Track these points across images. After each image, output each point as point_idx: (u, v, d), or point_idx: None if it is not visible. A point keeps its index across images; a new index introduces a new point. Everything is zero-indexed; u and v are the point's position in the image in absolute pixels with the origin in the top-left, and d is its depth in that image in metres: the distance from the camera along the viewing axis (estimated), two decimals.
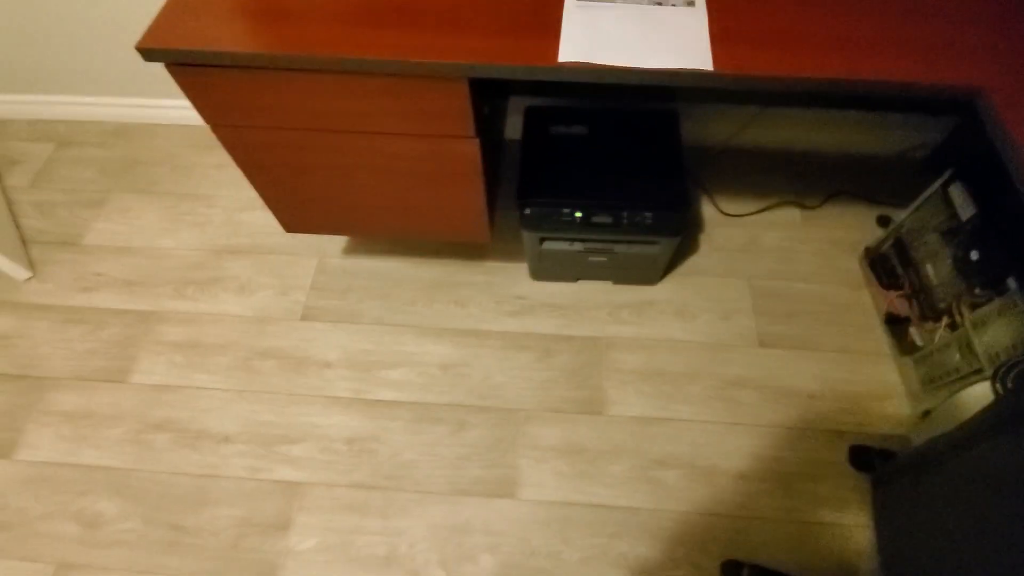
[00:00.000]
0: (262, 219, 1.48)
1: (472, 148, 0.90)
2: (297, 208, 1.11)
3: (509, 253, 1.41)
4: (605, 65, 0.74)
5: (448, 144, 0.90)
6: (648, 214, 1.16)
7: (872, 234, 1.40)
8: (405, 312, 1.34)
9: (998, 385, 0.80)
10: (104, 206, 1.53)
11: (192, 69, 0.81)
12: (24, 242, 1.47)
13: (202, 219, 1.49)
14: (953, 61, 0.75)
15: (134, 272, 1.41)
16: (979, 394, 0.89)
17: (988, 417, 0.68)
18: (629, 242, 1.23)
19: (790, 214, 1.46)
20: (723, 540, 1.08)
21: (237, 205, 1.50)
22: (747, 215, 1.46)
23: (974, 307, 1.11)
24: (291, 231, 1.18)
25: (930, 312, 1.21)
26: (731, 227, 1.45)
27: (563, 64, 0.74)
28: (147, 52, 0.77)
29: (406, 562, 1.06)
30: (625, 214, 1.16)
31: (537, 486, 1.14)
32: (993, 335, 1.05)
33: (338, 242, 1.44)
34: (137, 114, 1.66)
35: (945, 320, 1.17)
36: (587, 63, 0.74)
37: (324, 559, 1.07)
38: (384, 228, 1.17)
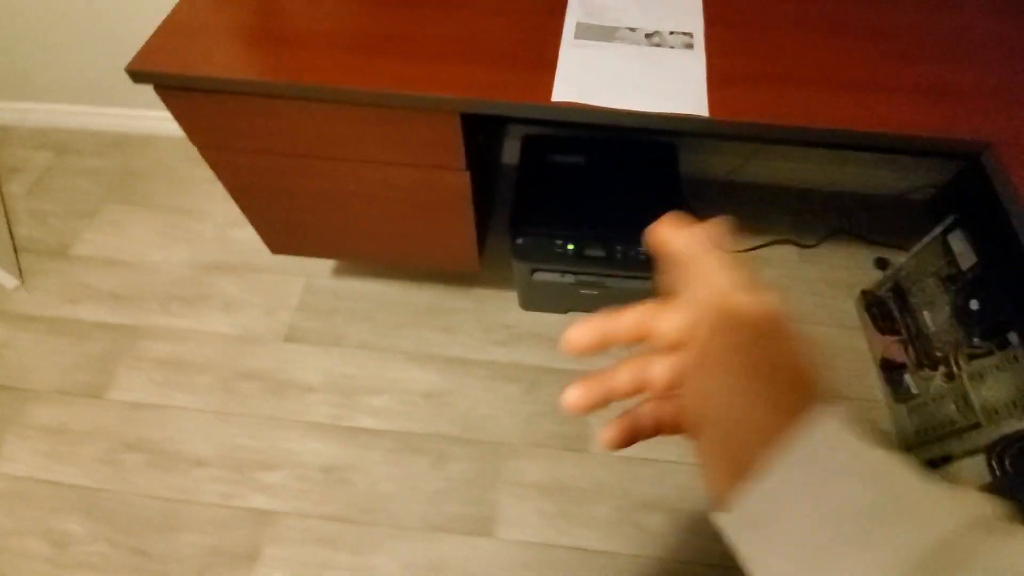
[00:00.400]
0: (252, 236, 1.44)
1: (462, 180, 0.89)
2: (284, 230, 1.09)
3: (500, 280, 1.39)
4: (599, 106, 0.72)
5: (438, 175, 0.88)
6: (642, 249, 1.14)
7: (870, 276, 1.37)
8: (391, 336, 1.32)
9: (994, 463, 0.77)
10: (96, 217, 1.51)
11: (180, 92, 0.79)
12: (16, 250, 1.45)
13: (193, 234, 1.47)
14: (960, 111, 0.73)
15: (121, 285, 1.39)
16: (970, 470, 0.86)
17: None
18: (622, 276, 1.20)
19: (787, 252, 1.44)
20: None
21: (228, 221, 1.48)
22: (743, 251, 1.44)
23: (972, 357, 1.08)
24: (277, 252, 1.17)
25: (927, 360, 1.18)
26: None
27: (557, 103, 0.72)
28: (135, 74, 0.76)
29: None
30: (619, 248, 1.14)
31: (517, 525, 1.10)
32: (992, 389, 1.02)
33: (327, 263, 1.42)
34: (135, 125, 1.65)
35: (942, 369, 1.14)
36: (581, 103, 0.72)
37: None
38: (371, 253, 1.15)
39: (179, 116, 0.84)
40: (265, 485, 1.14)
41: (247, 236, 1.45)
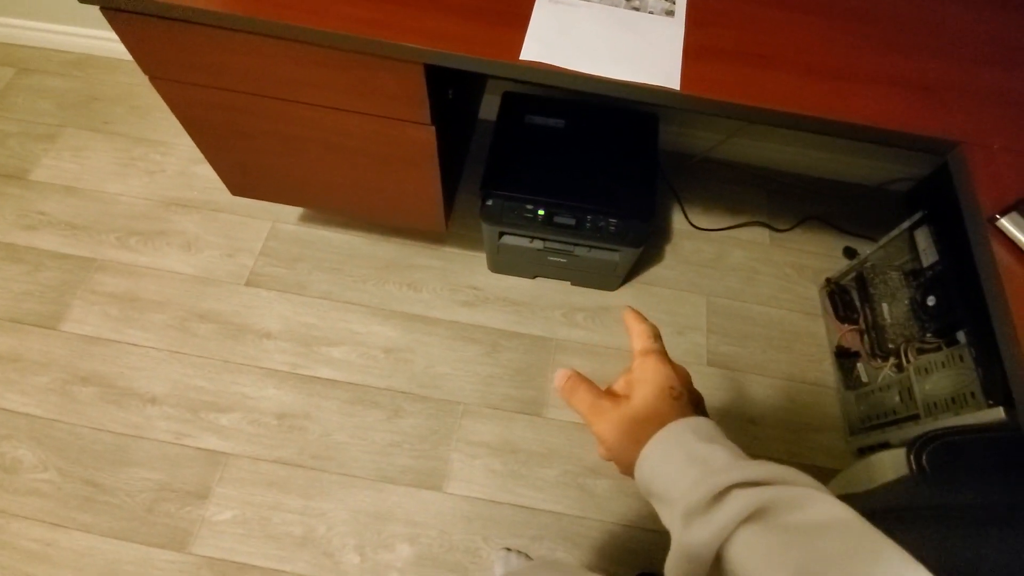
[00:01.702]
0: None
1: (427, 135, 0.85)
2: (242, 172, 1.05)
3: (469, 241, 1.37)
4: (566, 69, 0.69)
5: (401, 128, 0.85)
6: (612, 221, 1.13)
7: (837, 264, 1.38)
8: (355, 289, 1.30)
9: (912, 458, 0.79)
10: (56, 141, 1.45)
11: (128, 16, 0.74)
12: None
13: (155, 166, 1.41)
14: (933, 108, 0.71)
15: (78, 215, 1.35)
16: (891, 461, 0.89)
17: (896, 496, 0.67)
18: (590, 246, 1.19)
19: (759, 234, 1.44)
20: (640, 552, 1.09)
21: (193, 156, 1.42)
22: (716, 230, 1.44)
23: (921, 352, 1.10)
24: (237, 194, 1.13)
25: (880, 350, 1.21)
26: (699, 240, 1.42)
27: (523, 63, 0.69)
28: None
29: (322, 543, 1.06)
30: (589, 218, 1.13)
31: (466, 481, 1.13)
32: (934, 384, 1.05)
33: (294, 209, 1.39)
34: (101, 47, 1.56)
35: (892, 360, 1.17)
36: (548, 64, 0.69)
37: (239, 532, 1.05)
38: (333, 204, 1.12)
39: (128, 42, 0.79)
40: (218, 427, 1.14)
41: (211, 173, 1.38)
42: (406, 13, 0.71)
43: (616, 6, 0.75)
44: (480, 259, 1.35)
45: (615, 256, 1.20)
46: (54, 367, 1.18)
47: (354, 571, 1.04)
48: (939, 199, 1.12)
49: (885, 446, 1.13)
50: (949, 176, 0.74)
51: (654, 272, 1.38)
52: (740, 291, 1.36)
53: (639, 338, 0.39)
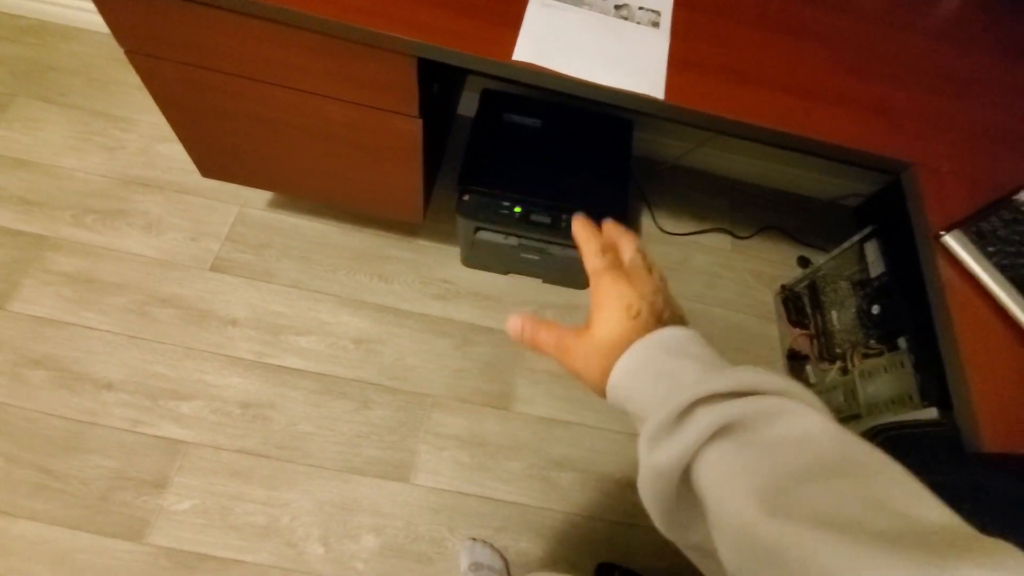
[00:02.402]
0: (183, 154, 1.34)
1: (414, 128, 0.86)
2: (216, 153, 1.02)
3: (443, 234, 1.37)
4: (558, 72, 0.71)
5: (388, 119, 0.85)
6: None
7: (791, 272, 1.46)
8: (325, 278, 1.29)
9: None
10: (7, 111, 1.36)
11: None
12: None
13: (115, 143, 1.35)
14: (891, 131, 0.77)
15: (30, 190, 1.27)
16: None
17: None
18: (565, 245, 1.22)
19: (722, 240, 1.51)
20: (602, 543, 1.13)
21: (157, 134, 1.37)
22: (682, 235, 1.49)
23: (866, 356, 1.19)
24: (208, 176, 1.10)
25: (827, 354, 1.29)
26: (665, 244, 1.48)
27: (516, 63, 0.71)
28: None
29: (285, 534, 1.04)
30: (564, 217, 1.15)
31: (433, 473, 1.14)
32: (876, 387, 1.13)
33: (263, 193, 1.35)
34: (59, 14, 1.47)
35: (839, 364, 1.25)
36: (540, 66, 0.71)
37: (199, 522, 1.03)
38: (311, 191, 1.11)
39: (105, 12, 0.76)
40: (178, 415, 1.11)
41: (177, 153, 1.34)
42: (400, 4, 0.71)
43: (606, 14, 0.78)
44: (453, 253, 1.36)
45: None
46: (3, 348, 1.12)
47: (318, 562, 1.03)
48: (887, 215, 1.20)
49: None
50: (896, 194, 0.80)
51: None
52: (703, 294, 1.43)
53: (588, 258, 0.36)
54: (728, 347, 1.37)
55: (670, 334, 0.31)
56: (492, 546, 1.09)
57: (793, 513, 0.22)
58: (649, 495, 0.29)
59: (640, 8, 0.79)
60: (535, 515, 1.14)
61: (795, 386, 0.28)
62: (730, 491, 0.25)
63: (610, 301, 0.33)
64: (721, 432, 0.26)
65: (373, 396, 1.19)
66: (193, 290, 1.22)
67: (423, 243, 1.37)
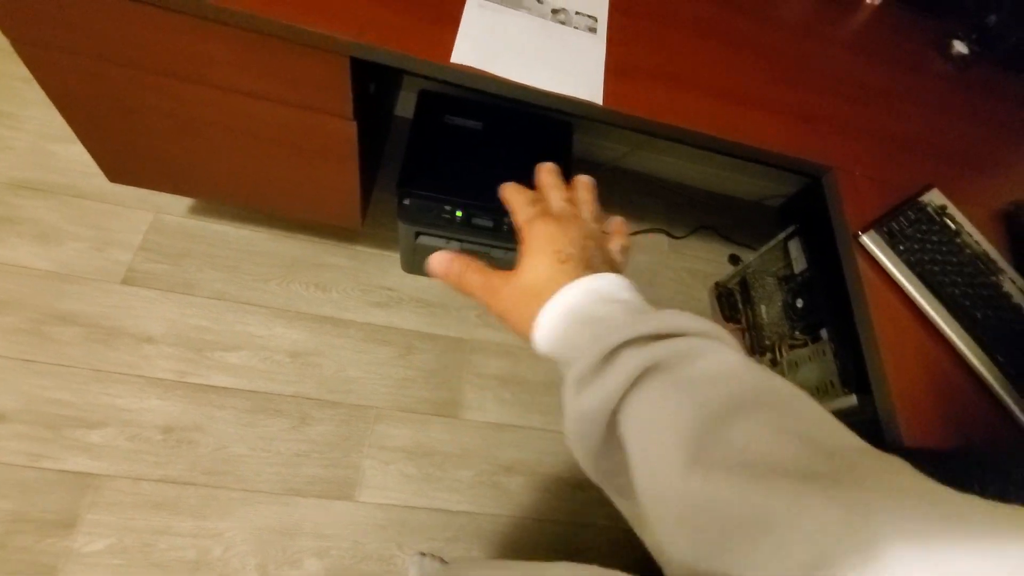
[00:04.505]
0: (82, 155, 1.21)
1: (348, 129, 0.81)
2: (125, 156, 0.92)
3: (382, 239, 1.32)
4: (498, 76, 0.69)
5: (321, 120, 0.80)
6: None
7: (724, 269, 1.54)
8: (255, 289, 1.20)
9: None
10: None
11: None
12: None
13: None
14: (813, 136, 0.82)
15: None
16: None
17: None
18: (508, 248, 1.21)
19: (659, 241, 1.56)
20: (554, 545, 1.13)
21: (50, 132, 1.22)
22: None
23: (792, 347, 1.26)
24: (117, 181, 0.99)
25: (758, 347, 1.36)
26: None
27: (455, 65, 0.68)
28: None
29: (218, 566, 0.97)
30: (507, 220, 1.14)
31: (379, 488, 1.09)
32: (804, 375, 1.20)
33: (181, 198, 1.24)
34: None
35: (768, 356, 1.32)
36: (481, 70, 0.69)
37: (117, 562, 0.93)
38: (237, 196, 1.03)
39: None
40: (87, 445, 1.00)
41: (74, 154, 1.21)
42: None
43: (543, 18, 0.77)
44: (394, 258, 1.31)
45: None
46: None
47: None
48: (806, 214, 1.29)
49: None
50: (814, 195, 0.86)
51: None
52: (643, 293, 1.46)
53: (518, 210, 0.36)
54: None
55: (600, 280, 0.31)
56: (442, 559, 1.06)
57: (716, 459, 0.22)
58: (575, 439, 0.28)
59: (577, 13, 0.79)
60: (486, 522, 1.12)
61: (714, 327, 0.28)
62: (655, 437, 0.25)
63: (539, 244, 0.33)
64: (646, 374, 0.26)
65: (312, 412, 1.13)
66: (99, 306, 1.10)
67: (362, 249, 1.31)
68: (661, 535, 0.24)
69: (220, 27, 0.66)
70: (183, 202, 1.24)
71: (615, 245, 0.37)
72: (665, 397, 0.26)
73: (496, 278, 0.34)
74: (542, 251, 0.32)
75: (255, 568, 0.98)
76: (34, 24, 0.69)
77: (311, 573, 1.00)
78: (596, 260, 0.33)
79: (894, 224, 0.75)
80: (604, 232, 0.37)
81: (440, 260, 0.35)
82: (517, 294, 0.32)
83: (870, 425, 0.74)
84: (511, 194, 0.37)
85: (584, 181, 0.39)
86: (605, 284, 0.31)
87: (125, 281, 1.14)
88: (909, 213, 0.76)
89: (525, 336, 0.32)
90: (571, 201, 0.37)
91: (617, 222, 0.39)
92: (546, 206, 0.36)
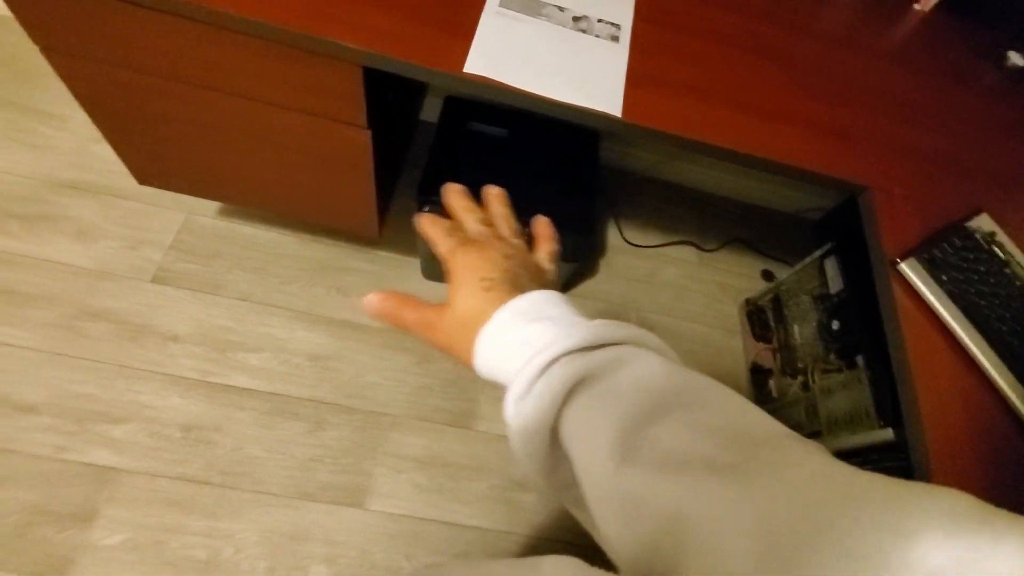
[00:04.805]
0: None
1: (362, 138, 0.81)
2: (152, 159, 0.95)
3: (404, 245, 1.32)
4: (511, 86, 0.67)
5: (335, 128, 0.79)
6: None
7: (755, 285, 1.47)
8: (279, 291, 1.22)
9: None
10: None
11: None
12: None
13: (44, 142, 1.25)
14: (848, 153, 0.76)
15: None
16: None
17: None
18: None
19: (689, 253, 1.50)
20: None
21: (94, 133, 1.25)
22: (650, 247, 1.48)
23: (826, 372, 1.19)
24: (145, 183, 1.02)
25: (789, 368, 1.29)
26: (632, 256, 1.46)
27: (466, 75, 0.67)
28: None
29: (228, 568, 0.98)
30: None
31: (390, 497, 1.09)
32: (835, 404, 1.13)
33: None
34: None
35: (800, 379, 1.25)
36: (493, 80, 0.67)
37: (130, 558, 0.95)
38: (257, 200, 1.04)
39: (13, 4, 0.68)
40: (109, 439, 1.03)
41: (115, 155, 1.25)
42: (348, 8, 0.67)
43: (563, 26, 0.74)
44: (415, 264, 1.31)
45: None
46: None
47: None
48: (846, 231, 1.21)
49: None
50: (854, 210, 0.80)
51: (589, 286, 1.40)
52: (670, 307, 1.41)
53: (439, 242, 0.36)
54: (693, 360, 1.36)
55: (526, 301, 0.31)
56: None
57: (642, 457, 0.24)
58: (521, 457, 0.29)
59: (600, 21, 0.76)
60: (496, 539, 1.10)
61: (644, 333, 0.30)
62: (589, 445, 0.26)
63: (463, 274, 0.33)
64: (579, 386, 0.27)
65: (328, 416, 1.13)
66: (130, 303, 1.14)
67: (384, 254, 1.31)
68: (609, 538, 0.25)
69: (237, 36, 0.66)
70: (213, 204, 1.27)
71: (542, 253, 0.38)
72: (595, 406, 0.27)
73: (430, 312, 0.34)
74: (466, 281, 0.33)
75: (264, 572, 0.99)
76: (62, 33, 0.71)
77: None
78: (522, 279, 0.34)
79: (936, 251, 0.69)
80: (527, 243, 0.38)
81: (372, 301, 0.35)
82: (453, 327, 0.33)
83: (908, 469, 0.69)
84: (428, 227, 0.37)
85: (495, 194, 0.40)
86: (530, 303, 0.31)
87: (155, 280, 1.17)
88: (954, 239, 0.70)
89: (470, 365, 0.32)
90: (486, 222, 0.37)
91: (542, 224, 0.40)
92: (463, 235, 0.36)
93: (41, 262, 1.13)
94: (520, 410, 0.28)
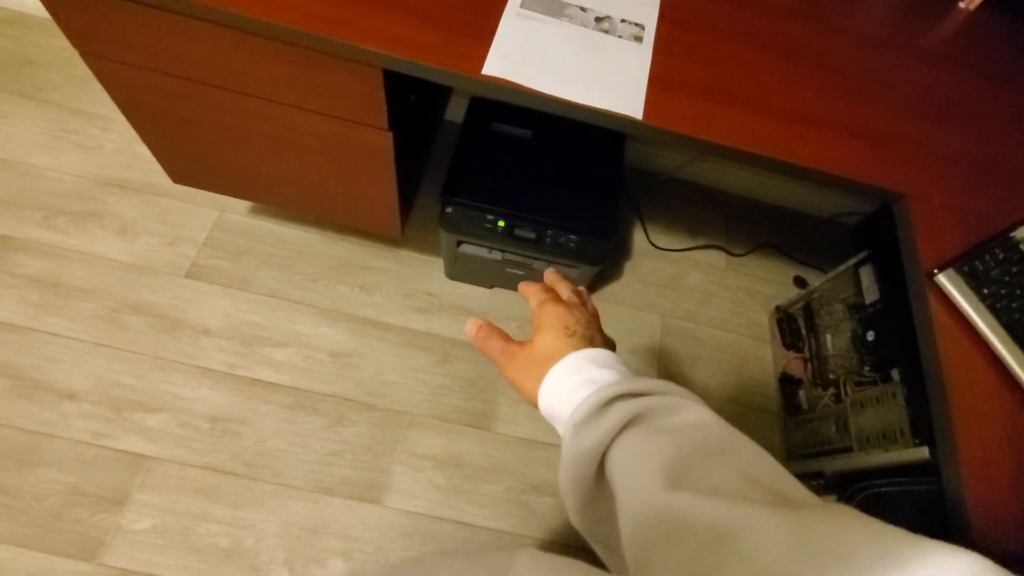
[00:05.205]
0: None
1: (383, 141, 0.82)
2: (184, 160, 0.98)
3: (428, 244, 1.33)
4: (529, 88, 0.67)
5: (357, 131, 0.81)
6: (572, 237, 1.12)
7: (787, 292, 1.42)
8: (304, 288, 1.25)
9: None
10: None
11: None
12: None
13: (92, 142, 1.31)
14: (882, 159, 0.73)
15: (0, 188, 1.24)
16: None
17: None
18: (549, 260, 1.18)
19: (716, 257, 1.46)
20: None
21: (136, 134, 1.33)
22: (675, 250, 1.45)
23: (859, 385, 1.14)
24: (179, 183, 1.06)
25: (821, 380, 1.24)
26: (657, 260, 1.43)
27: (484, 77, 0.67)
28: None
29: (249, 557, 1.01)
30: (549, 233, 1.11)
31: (407, 495, 1.10)
32: (867, 419, 1.08)
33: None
34: (38, 5, 1.42)
35: (832, 391, 1.20)
36: (510, 82, 0.67)
37: (157, 542, 0.99)
38: (283, 200, 1.07)
39: (55, 11, 0.72)
40: (143, 428, 1.07)
41: None
42: (368, 13, 0.67)
43: (585, 26, 0.73)
44: (437, 264, 1.32)
45: (574, 272, 1.19)
46: None
47: None
48: (882, 239, 1.16)
49: (819, 475, 1.17)
50: (892, 217, 0.76)
51: (612, 289, 1.38)
52: (695, 313, 1.38)
53: (533, 296, 0.43)
54: (720, 370, 1.33)
55: (598, 352, 0.38)
56: None
57: (689, 486, 0.27)
58: (569, 482, 0.34)
59: (623, 21, 0.74)
60: (511, 542, 1.09)
61: (689, 392, 0.35)
62: (638, 469, 0.30)
63: (550, 321, 0.40)
64: (633, 421, 0.32)
65: (348, 413, 1.15)
66: (166, 297, 1.19)
67: (407, 253, 1.33)
68: (639, 566, 0.28)
69: (263, 41, 0.68)
70: (246, 202, 1.31)
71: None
72: (648, 439, 0.31)
73: (513, 345, 0.40)
74: (553, 326, 0.39)
75: (283, 563, 1.01)
76: (99, 39, 0.75)
77: (334, 573, 1.02)
78: (596, 339, 0.40)
79: (977, 263, 0.65)
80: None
81: (471, 326, 0.42)
82: (530, 360, 0.39)
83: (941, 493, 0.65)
84: (526, 285, 0.45)
85: (582, 290, 0.47)
86: (601, 354, 0.38)
87: (189, 275, 1.22)
88: (997, 251, 0.66)
89: (532, 397, 0.38)
90: (577, 294, 0.45)
91: None
92: (556, 295, 0.43)
93: (87, 256, 1.19)
94: (580, 433, 0.33)
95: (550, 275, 0.47)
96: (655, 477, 0.28)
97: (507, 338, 0.41)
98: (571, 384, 0.36)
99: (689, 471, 0.28)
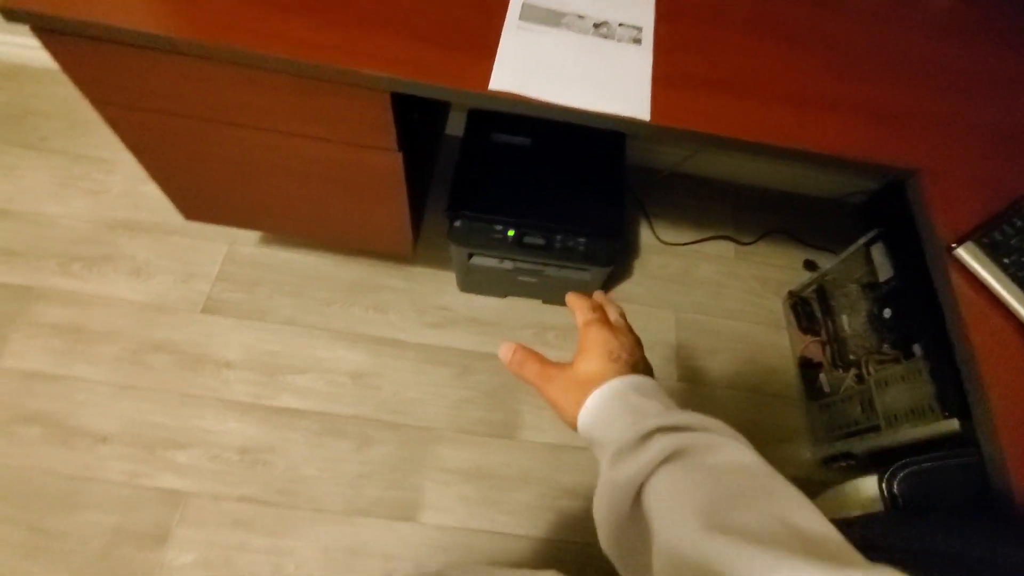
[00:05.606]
0: None
1: (393, 162, 0.83)
2: (195, 196, 1.00)
3: (438, 259, 1.34)
4: (538, 99, 0.68)
5: (366, 155, 0.82)
6: (581, 240, 1.12)
7: (798, 276, 1.42)
8: (319, 313, 1.26)
9: (884, 486, 0.82)
10: None
11: (64, 38, 0.69)
12: None
13: (98, 186, 1.33)
14: (892, 136, 0.73)
15: (13, 239, 1.25)
16: (867, 491, 0.91)
17: (872, 532, 0.68)
18: (561, 266, 1.19)
19: (725, 248, 1.47)
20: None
21: (140, 175, 1.31)
22: (683, 244, 1.45)
23: (881, 363, 1.14)
24: (191, 219, 1.07)
25: (841, 361, 1.24)
26: (666, 255, 1.44)
27: (492, 92, 0.67)
28: (8, 12, 0.65)
29: None
30: (558, 238, 1.12)
31: (440, 510, 1.10)
32: (894, 396, 1.08)
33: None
34: (35, 57, 1.45)
35: (853, 371, 1.20)
36: (519, 95, 0.68)
37: (202, 575, 1.00)
38: (295, 229, 1.08)
39: (64, 64, 0.73)
40: (176, 464, 1.08)
41: (162, 194, 1.32)
42: (367, 37, 0.68)
43: (585, 34, 0.74)
44: (449, 278, 1.33)
45: (586, 275, 1.20)
46: None
47: None
48: (892, 215, 1.16)
49: (848, 456, 1.17)
50: (901, 192, 0.76)
51: (623, 288, 1.39)
52: (708, 305, 1.39)
53: (580, 312, 0.43)
54: (737, 359, 1.33)
55: (642, 380, 0.37)
56: None
57: (727, 529, 0.26)
58: (604, 511, 0.33)
59: (620, 25, 0.75)
60: (551, 548, 1.10)
61: (732, 431, 0.34)
62: (676, 506, 0.29)
63: (595, 346, 0.39)
64: (673, 456, 0.31)
65: (373, 433, 1.16)
66: (186, 334, 1.20)
67: (418, 270, 1.34)
68: None
69: (270, 75, 0.69)
70: (254, 233, 1.32)
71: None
72: (688, 477, 0.30)
73: (552, 368, 0.40)
74: (596, 350, 0.39)
75: None
76: (106, 87, 0.76)
77: None
78: (640, 366, 0.40)
79: (996, 233, 0.65)
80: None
81: (506, 351, 0.41)
82: (569, 383, 0.38)
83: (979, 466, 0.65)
84: (574, 298, 0.44)
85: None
86: (645, 383, 0.37)
87: (205, 310, 1.23)
88: (1015, 220, 0.66)
89: (571, 420, 0.38)
90: (625, 318, 0.44)
91: None
92: (604, 315, 0.42)
93: (105, 299, 1.21)
94: (618, 463, 0.32)
95: (599, 295, 0.47)
96: (693, 516, 0.27)
97: (543, 360, 0.40)
98: (612, 411, 0.35)
99: (728, 514, 0.27)
